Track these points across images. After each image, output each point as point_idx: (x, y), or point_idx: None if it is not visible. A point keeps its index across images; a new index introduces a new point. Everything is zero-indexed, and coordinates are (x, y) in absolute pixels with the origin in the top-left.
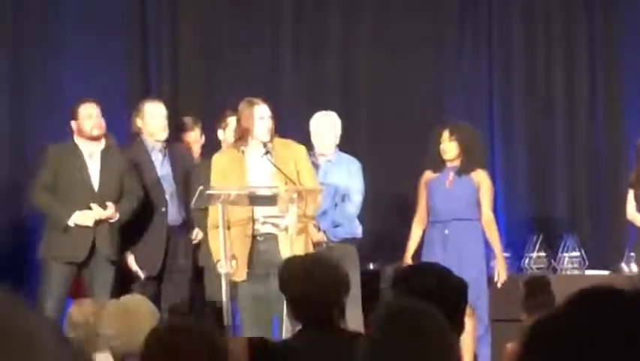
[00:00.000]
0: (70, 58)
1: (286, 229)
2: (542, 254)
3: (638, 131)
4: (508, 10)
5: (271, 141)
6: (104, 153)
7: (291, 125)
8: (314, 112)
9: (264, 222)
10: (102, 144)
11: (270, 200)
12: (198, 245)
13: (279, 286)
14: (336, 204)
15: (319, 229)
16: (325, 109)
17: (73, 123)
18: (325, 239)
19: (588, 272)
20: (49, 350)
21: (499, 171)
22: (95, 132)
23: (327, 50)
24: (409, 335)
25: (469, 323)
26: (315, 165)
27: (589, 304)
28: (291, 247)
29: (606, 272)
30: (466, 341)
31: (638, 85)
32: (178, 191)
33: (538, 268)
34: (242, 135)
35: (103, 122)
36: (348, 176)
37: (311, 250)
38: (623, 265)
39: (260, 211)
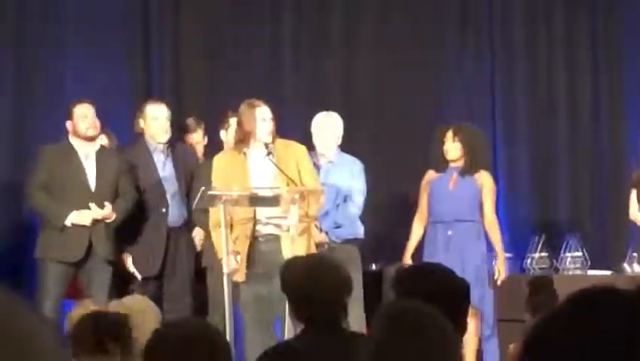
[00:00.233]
0: (71, 58)
1: (288, 230)
2: (545, 254)
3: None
4: (509, 11)
5: (273, 142)
6: (99, 154)
7: (292, 126)
8: (315, 112)
9: (267, 223)
10: (97, 144)
11: (273, 201)
12: (202, 245)
13: (281, 287)
14: (338, 205)
15: (321, 230)
16: (326, 109)
17: (68, 123)
18: (327, 240)
19: (590, 272)
20: (49, 350)
21: (502, 171)
22: (91, 133)
23: (328, 50)
24: (411, 335)
25: (471, 323)
26: (316, 166)
27: (590, 303)
28: (292, 247)
29: (608, 272)
30: (469, 342)
31: None
32: (180, 191)
33: (540, 269)
34: (244, 138)
35: (98, 123)
36: (350, 177)
37: (313, 250)
38: (626, 266)
39: (262, 212)
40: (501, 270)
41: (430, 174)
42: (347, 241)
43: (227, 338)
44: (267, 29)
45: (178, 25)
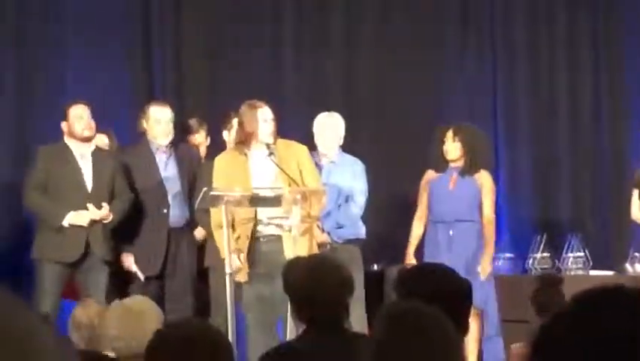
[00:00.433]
0: (72, 58)
1: (290, 230)
2: (546, 255)
3: None
4: (511, 11)
5: (274, 142)
6: (95, 154)
7: (293, 126)
8: (316, 112)
9: (268, 224)
10: (93, 144)
11: (274, 201)
12: (203, 245)
13: (283, 288)
14: (339, 206)
15: (323, 230)
16: (327, 109)
17: (63, 125)
18: (329, 240)
19: (592, 272)
20: (49, 350)
21: (503, 172)
22: (86, 134)
23: (329, 50)
24: (413, 336)
25: (473, 323)
26: (318, 166)
27: (595, 303)
28: (294, 248)
29: (610, 272)
30: (470, 342)
31: None
32: (183, 192)
33: (542, 269)
34: (246, 139)
35: (93, 124)
36: (352, 177)
37: (315, 251)
38: (628, 266)
39: (263, 212)
40: (485, 268)
41: (430, 174)
42: (349, 242)
43: (230, 338)
44: (267, 29)
45: (179, 25)
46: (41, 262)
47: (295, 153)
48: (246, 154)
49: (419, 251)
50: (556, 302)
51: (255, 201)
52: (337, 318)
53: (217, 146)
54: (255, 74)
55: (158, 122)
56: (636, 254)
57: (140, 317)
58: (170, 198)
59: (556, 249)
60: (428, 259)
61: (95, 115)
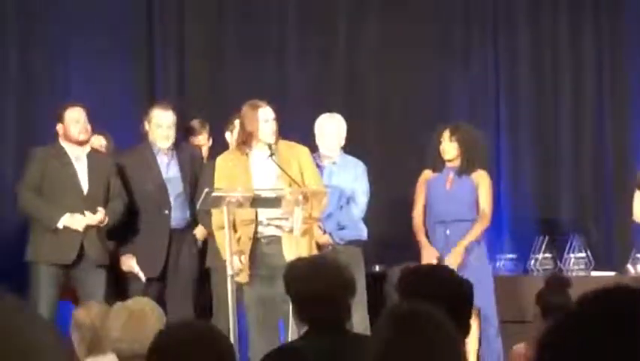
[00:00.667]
0: (76, 58)
1: (290, 231)
2: (548, 255)
3: None
4: (513, 11)
5: (276, 142)
6: (91, 156)
7: (297, 127)
8: (320, 113)
9: (268, 225)
10: (88, 147)
11: (275, 202)
12: (204, 247)
13: (284, 288)
14: (341, 207)
15: (324, 231)
16: (331, 110)
17: (59, 127)
18: (330, 241)
19: (594, 273)
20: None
21: (505, 171)
22: (82, 137)
23: (333, 52)
24: (415, 336)
25: (473, 323)
26: (320, 168)
27: (601, 305)
28: (294, 248)
29: (612, 273)
30: (471, 342)
31: None
32: (185, 193)
33: (544, 270)
34: (246, 139)
35: (89, 127)
36: (354, 178)
37: (314, 251)
38: (629, 267)
39: (263, 213)
40: (456, 255)
41: (427, 174)
42: (350, 243)
43: (232, 339)
44: (272, 30)
45: (182, 26)
46: (37, 265)
47: (297, 155)
48: (247, 154)
49: (415, 252)
50: (563, 304)
51: (256, 201)
52: (339, 319)
53: (219, 147)
54: (257, 75)
55: (160, 126)
56: (638, 255)
57: (142, 318)
58: (171, 199)
59: (558, 249)
60: (425, 259)
61: (96, 116)
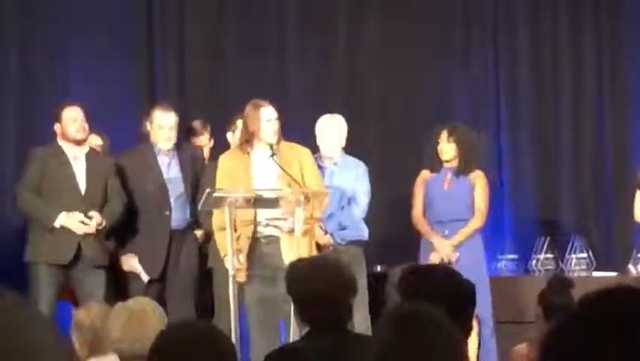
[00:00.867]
0: (76, 58)
1: (289, 231)
2: (549, 255)
3: None
4: (514, 11)
5: (277, 142)
6: (89, 156)
7: (298, 127)
8: (320, 114)
9: (267, 225)
10: (86, 146)
11: (274, 202)
12: (205, 247)
13: (286, 288)
14: (342, 207)
15: (326, 232)
16: (332, 111)
17: (57, 126)
18: (332, 242)
19: (595, 273)
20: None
21: (506, 171)
22: (80, 136)
23: (333, 52)
24: (416, 337)
25: (474, 324)
26: (321, 168)
27: (603, 306)
28: (294, 248)
29: (614, 273)
30: (471, 343)
31: None
32: (186, 194)
33: (545, 270)
34: (248, 138)
35: (86, 126)
36: (355, 179)
37: (314, 252)
38: (631, 267)
39: (262, 214)
40: (442, 251)
41: (424, 174)
42: (351, 243)
43: (233, 339)
44: (272, 30)
45: (182, 26)
46: (36, 265)
47: (298, 156)
48: (248, 153)
49: (416, 252)
50: (565, 304)
51: (257, 201)
52: (340, 319)
53: (221, 147)
54: (257, 75)
55: (161, 127)
56: (639, 255)
57: (143, 318)
58: (172, 200)
59: (559, 250)
60: (423, 260)
61: (96, 116)
